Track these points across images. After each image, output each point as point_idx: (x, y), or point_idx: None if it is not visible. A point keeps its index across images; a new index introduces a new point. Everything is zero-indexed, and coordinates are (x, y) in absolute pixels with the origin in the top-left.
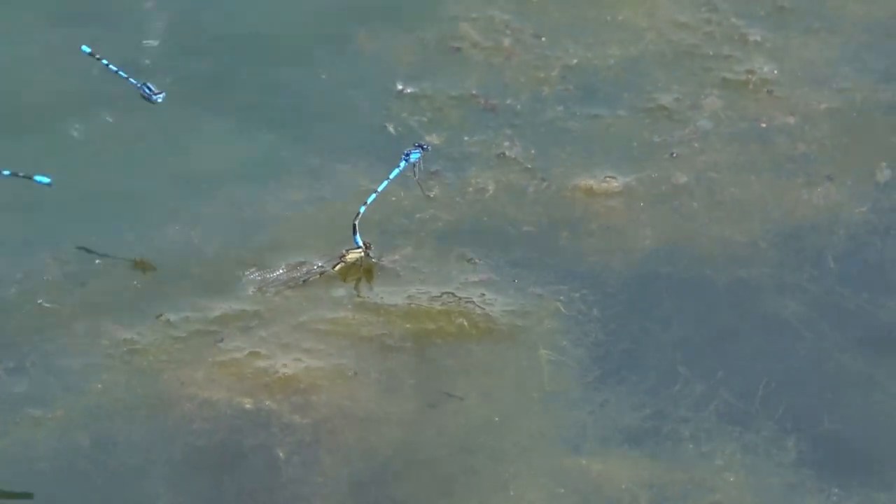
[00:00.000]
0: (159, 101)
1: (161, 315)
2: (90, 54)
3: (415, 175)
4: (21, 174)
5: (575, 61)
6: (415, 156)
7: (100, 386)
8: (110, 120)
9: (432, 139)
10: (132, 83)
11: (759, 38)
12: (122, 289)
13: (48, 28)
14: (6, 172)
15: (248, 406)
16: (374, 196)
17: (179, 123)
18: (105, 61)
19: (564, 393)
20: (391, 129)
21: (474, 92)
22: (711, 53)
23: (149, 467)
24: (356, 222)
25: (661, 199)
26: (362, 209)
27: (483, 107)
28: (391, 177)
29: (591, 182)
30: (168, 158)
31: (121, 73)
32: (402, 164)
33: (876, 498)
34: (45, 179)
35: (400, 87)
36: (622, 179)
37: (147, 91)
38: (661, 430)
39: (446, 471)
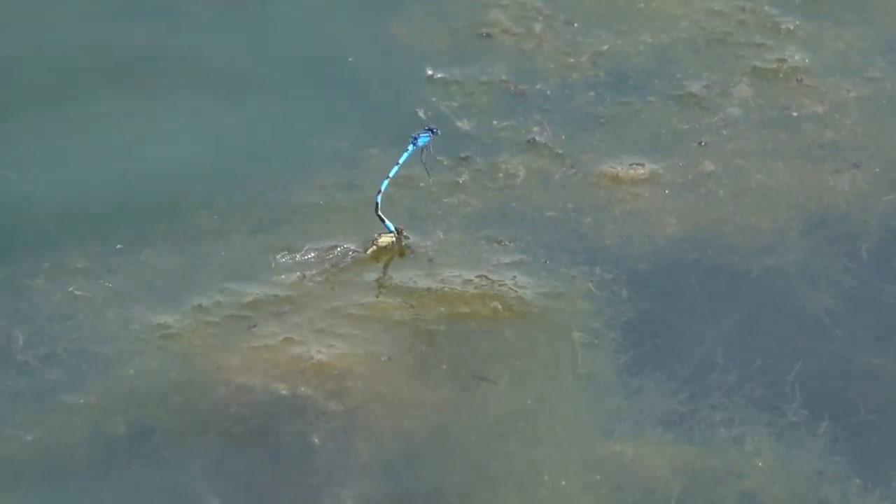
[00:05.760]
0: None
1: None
2: None
3: (422, 158)
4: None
5: (606, 47)
6: (423, 139)
7: (133, 371)
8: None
9: (462, 124)
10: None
11: (791, 27)
12: (152, 274)
13: None
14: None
15: (283, 392)
16: (386, 182)
17: (204, 109)
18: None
19: (598, 376)
20: (421, 114)
21: (504, 77)
22: (743, 41)
23: (185, 453)
24: (379, 213)
25: (688, 186)
26: (378, 198)
27: (513, 92)
28: (400, 161)
29: (618, 169)
30: (194, 143)
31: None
32: (411, 147)
33: None
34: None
35: (430, 72)
36: (649, 166)
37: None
38: (696, 415)
39: (480, 456)
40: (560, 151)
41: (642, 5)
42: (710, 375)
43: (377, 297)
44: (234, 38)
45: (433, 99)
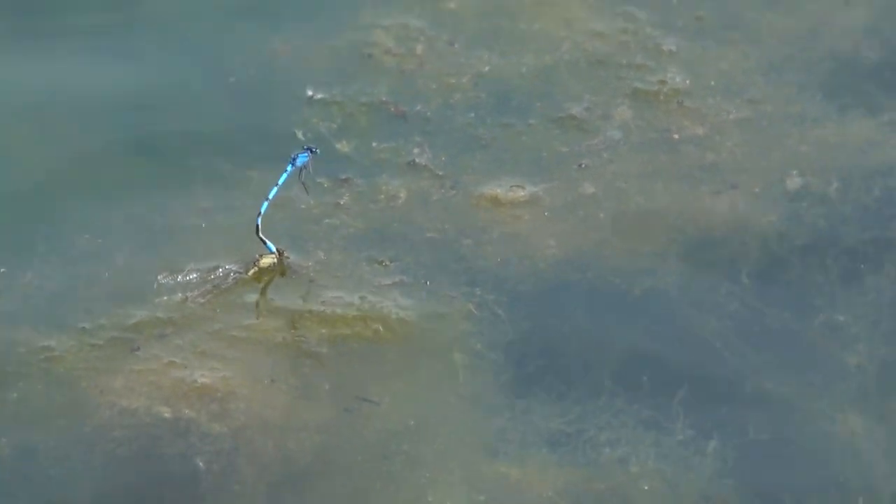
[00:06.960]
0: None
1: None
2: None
3: (301, 178)
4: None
5: (487, 69)
6: (302, 158)
7: (17, 395)
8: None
9: (342, 146)
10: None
11: (673, 48)
12: (36, 297)
13: None
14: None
15: (166, 415)
16: (266, 204)
17: (80, 130)
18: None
19: (480, 397)
20: (300, 135)
21: (385, 98)
22: (625, 63)
23: (69, 476)
24: (260, 235)
25: (568, 208)
26: (259, 220)
27: (394, 113)
28: (280, 182)
29: (498, 191)
30: (74, 168)
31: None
32: (290, 167)
33: None
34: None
35: (310, 93)
36: (529, 188)
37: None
38: (582, 436)
39: (364, 477)
40: (440, 173)
41: (524, 26)
42: (596, 398)
43: (259, 318)
44: (113, 56)
45: (313, 120)
